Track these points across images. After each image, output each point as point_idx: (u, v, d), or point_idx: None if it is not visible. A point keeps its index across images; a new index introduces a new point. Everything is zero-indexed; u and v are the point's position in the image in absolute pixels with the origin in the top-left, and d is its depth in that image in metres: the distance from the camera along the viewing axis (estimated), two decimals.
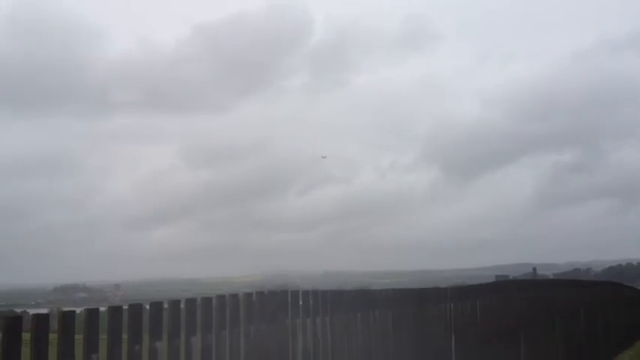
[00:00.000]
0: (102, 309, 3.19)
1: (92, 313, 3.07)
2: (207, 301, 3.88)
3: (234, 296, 4.09)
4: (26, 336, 2.71)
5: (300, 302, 4.72)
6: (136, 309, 3.36)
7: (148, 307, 3.49)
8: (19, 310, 38.09)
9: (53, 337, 2.89)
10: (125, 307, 3.32)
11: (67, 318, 2.94)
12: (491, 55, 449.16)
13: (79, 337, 2.99)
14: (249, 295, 4.27)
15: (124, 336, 3.25)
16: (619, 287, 27.63)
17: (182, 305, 3.69)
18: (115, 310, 3.22)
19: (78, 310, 3.35)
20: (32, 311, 5.25)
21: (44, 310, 5.51)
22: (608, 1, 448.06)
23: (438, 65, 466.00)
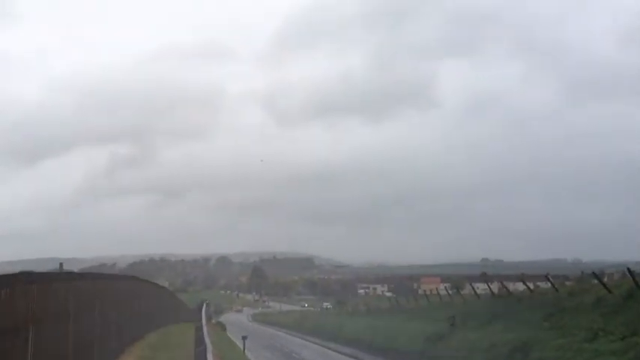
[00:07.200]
0: None
1: None
2: None
3: None
4: None
5: None
6: None
7: None
8: None
9: None
10: None
11: None
12: (66, 42, 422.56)
13: None
14: None
15: None
16: (137, 281, 29.64)
17: None
18: None
19: None
20: None
21: None
22: (182, 8, 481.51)
23: (12, 43, 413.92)
